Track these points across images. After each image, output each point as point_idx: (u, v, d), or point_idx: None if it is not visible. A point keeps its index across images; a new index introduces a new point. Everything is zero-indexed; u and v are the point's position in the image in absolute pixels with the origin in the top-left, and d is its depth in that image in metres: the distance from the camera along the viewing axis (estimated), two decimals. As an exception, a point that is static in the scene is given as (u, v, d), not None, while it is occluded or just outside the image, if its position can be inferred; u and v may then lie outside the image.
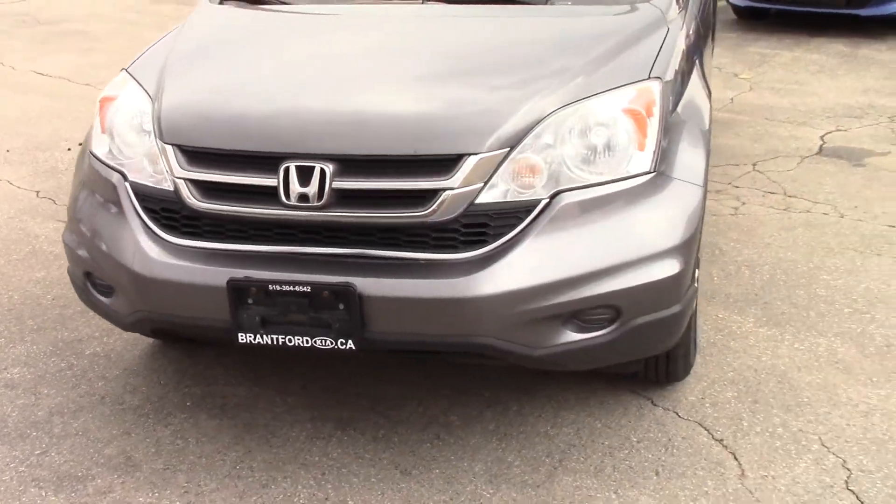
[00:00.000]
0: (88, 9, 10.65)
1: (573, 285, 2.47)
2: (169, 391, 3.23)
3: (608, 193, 2.54)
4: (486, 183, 2.47)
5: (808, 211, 4.66)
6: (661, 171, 2.62)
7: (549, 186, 2.50)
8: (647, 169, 2.59)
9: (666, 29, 3.05)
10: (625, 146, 2.57)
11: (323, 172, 2.47)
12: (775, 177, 5.15)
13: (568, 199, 2.50)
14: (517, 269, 2.44)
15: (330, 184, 2.46)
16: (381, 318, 2.47)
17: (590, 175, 2.54)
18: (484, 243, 2.47)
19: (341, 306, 2.45)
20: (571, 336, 2.54)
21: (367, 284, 2.44)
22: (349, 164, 2.49)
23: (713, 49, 5.66)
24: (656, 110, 2.65)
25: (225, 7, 3.45)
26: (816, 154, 5.50)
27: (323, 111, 2.60)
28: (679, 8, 3.30)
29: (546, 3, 3.20)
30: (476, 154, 2.45)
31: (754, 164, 5.35)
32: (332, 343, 2.49)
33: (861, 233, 4.37)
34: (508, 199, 2.48)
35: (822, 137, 5.80)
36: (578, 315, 2.53)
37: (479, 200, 2.47)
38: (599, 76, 2.70)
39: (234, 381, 3.28)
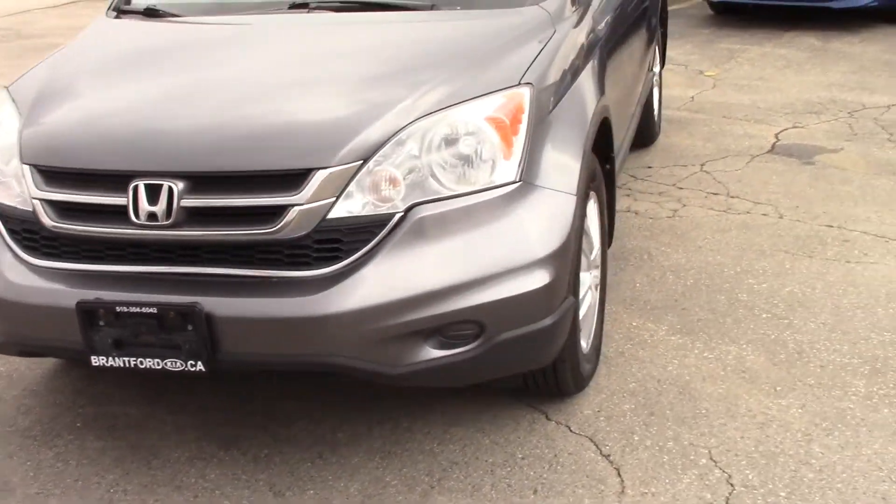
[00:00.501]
0: (78, 21, 10.66)
1: (430, 301, 2.39)
2: (62, 412, 3.18)
3: (468, 205, 2.47)
4: (338, 197, 2.40)
5: (747, 212, 4.56)
6: (528, 181, 2.54)
7: (407, 199, 2.43)
8: (512, 178, 2.51)
9: (552, 31, 2.97)
10: (488, 155, 2.50)
11: (171, 190, 2.41)
12: (721, 177, 5.05)
13: (424, 211, 2.43)
14: (370, 286, 2.37)
15: (178, 202, 2.41)
16: (232, 339, 2.41)
17: (450, 186, 2.47)
18: (337, 259, 2.41)
19: (190, 327, 2.39)
20: (433, 353, 2.47)
21: (215, 304, 2.38)
22: (198, 182, 2.43)
23: (658, 47, 5.55)
24: (524, 117, 2.58)
25: (118, 21, 3.40)
26: (768, 152, 5.40)
27: (172, 128, 2.54)
28: (576, 7, 3.22)
29: (432, 9, 3.11)
30: (325, 168, 2.39)
31: (702, 165, 5.26)
32: (182, 365, 2.43)
33: (797, 234, 4.27)
34: (362, 213, 2.42)
35: (776, 135, 5.69)
36: (440, 331, 2.46)
37: (331, 215, 2.40)
38: (469, 83, 2.62)
39: (130, 399, 3.23)
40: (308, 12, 3.17)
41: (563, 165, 2.66)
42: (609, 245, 3.54)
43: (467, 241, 2.45)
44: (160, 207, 2.41)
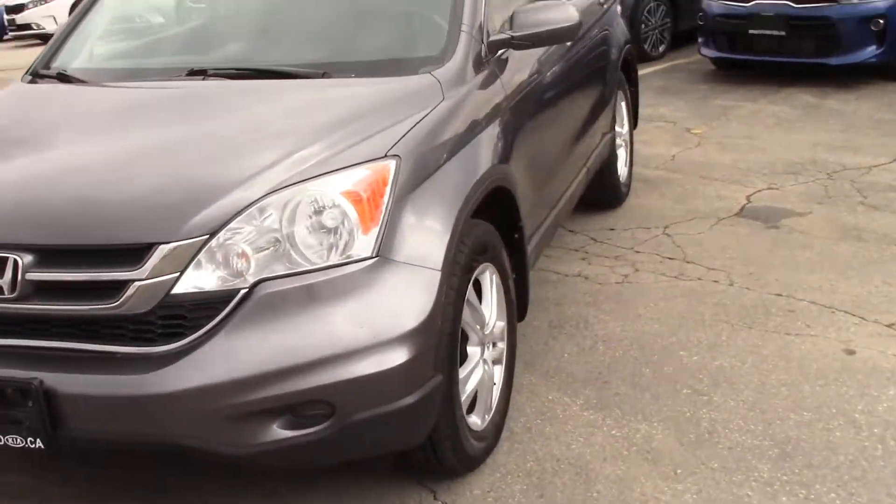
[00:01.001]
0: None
1: (275, 379, 2.32)
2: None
3: (320, 281, 2.40)
4: (181, 272, 2.34)
5: (699, 279, 4.43)
6: (386, 256, 2.47)
7: (257, 274, 2.37)
8: (368, 254, 2.44)
9: (439, 100, 2.91)
10: (344, 230, 2.44)
11: (17, 263, 2.37)
12: (682, 241, 4.92)
13: (271, 287, 2.37)
14: (213, 363, 2.31)
15: (23, 275, 2.37)
16: (74, 416, 2.35)
17: (302, 261, 2.41)
18: (182, 335, 2.35)
19: (30, 403, 2.34)
20: (281, 433, 2.39)
21: (57, 380, 2.33)
22: (44, 255, 2.40)
23: (625, 107, 5.48)
24: (387, 191, 2.51)
25: (28, 87, 3.41)
26: (735, 215, 5.27)
27: (20, 200, 2.52)
28: (485, 69, 3.17)
29: (324, 76, 3.08)
30: (168, 243, 2.34)
31: (666, 227, 5.14)
32: (22, 442, 2.38)
33: (743, 303, 4.13)
34: (207, 288, 2.36)
35: (748, 197, 5.56)
36: (288, 411, 2.38)
37: (175, 290, 2.35)
38: (335, 155, 2.57)
39: (24, 467, 3.17)
40: (203, 79, 3.15)
41: (429, 240, 2.58)
42: (521, 318, 3.44)
43: (317, 318, 2.38)
44: (5, 280, 2.38)
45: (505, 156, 3.15)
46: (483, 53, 3.24)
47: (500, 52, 3.35)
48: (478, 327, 2.95)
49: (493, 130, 3.12)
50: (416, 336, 2.46)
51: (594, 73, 4.63)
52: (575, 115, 4.22)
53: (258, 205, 2.41)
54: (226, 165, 2.55)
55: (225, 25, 3.66)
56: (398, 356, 2.42)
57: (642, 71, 9.54)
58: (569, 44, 4.04)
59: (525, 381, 3.53)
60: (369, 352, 2.39)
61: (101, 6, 3.77)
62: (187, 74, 3.17)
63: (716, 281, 4.39)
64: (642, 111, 7.35)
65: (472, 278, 2.88)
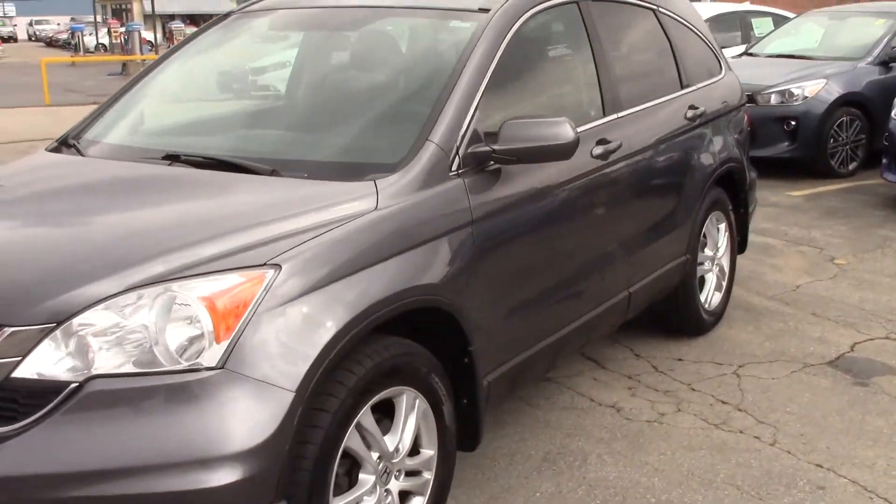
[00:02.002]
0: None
1: (80, 481, 2.26)
2: None
3: (154, 385, 2.33)
4: (24, 357, 2.35)
5: (740, 431, 3.96)
6: (234, 370, 2.36)
7: (94, 369, 2.34)
8: (213, 364, 2.35)
9: (369, 209, 2.78)
10: (192, 337, 2.36)
11: None
12: (748, 384, 4.44)
13: (102, 385, 2.33)
14: (23, 454, 2.29)
15: None
16: None
17: (148, 362, 2.35)
18: (13, 420, 2.34)
19: None
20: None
21: None
22: None
23: (727, 229, 5.07)
24: (254, 301, 2.41)
25: (44, 156, 3.58)
26: (825, 364, 4.69)
27: None
28: (439, 185, 3.00)
29: (272, 174, 3.03)
30: (12, 326, 2.35)
31: (739, 367, 4.66)
32: None
33: (770, 468, 3.64)
34: (47, 376, 2.34)
35: (853, 345, 4.94)
36: None
37: (15, 374, 2.35)
38: (215, 256, 2.51)
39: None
40: (169, 164, 3.19)
41: (292, 357, 2.44)
42: (472, 447, 3.21)
43: (144, 423, 2.31)
44: None
45: (449, 275, 2.95)
46: (455, 165, 3.07)
47: (484, 164, 3.17)
48: (374, 454, 2.75)
49: (438, 247, 2.94)
50: (251, 458, 2.33)
51: (652, 191, 4.29)
52: (605, 237, 3.90)
53: (115, 299, 2.38)
54: (99, 254, 2.55)
55: (229, 112, 3.72)
56: (227, 475, 2.30)
57: (821, 188, 8.91)
58: (602, 161, 3.77)
59: (474, 518, 3.27)
60: (192, 467, 2.29)
61: (146, 83, 3.94)
62: (163, 158, 3.22)
63: (757, 437, 3.90)
64: (795, 232, 6.83)
65: (373, 401, 2.70)
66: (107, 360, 2.34)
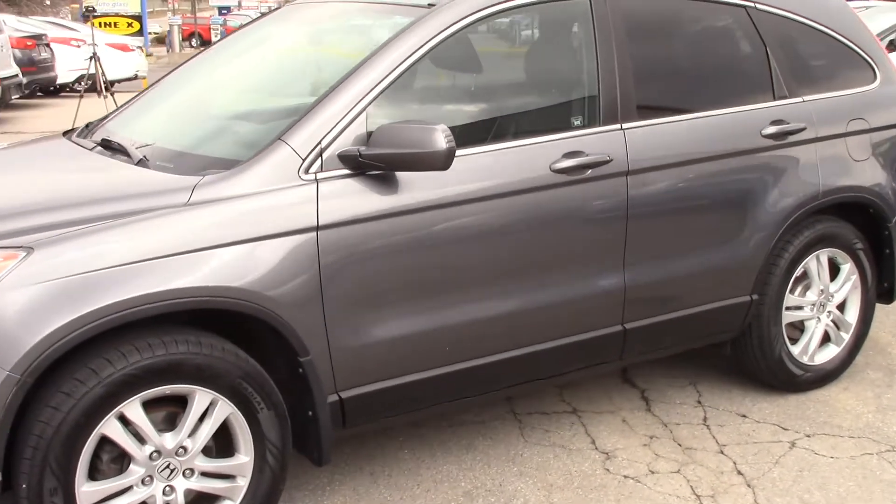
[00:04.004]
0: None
1: None
2: None
3: None
4: None
5: (719, 509, 3.34)
6: None
7: None
8: None
9: (180, 202, 2.81)
10: None
11: None
12: (790, 458, 3.71)
13: None
14: None
15: None
16: None
17: None
18: None
19: None
20: None
21: None
22: None
23: (863, 271, 4.21)
24: None
25: (46, 141, 3.93)
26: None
27: None
28: (281, 187, 2.91)
29: (139, 163, 3.12)
30: None
31: (805, 437, 3.89)
32: None
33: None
34: None
35: None
36: None
37: None
38: None
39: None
40: (91, 149, 3.41)
41: (11, 341, 2.54)
42: (320, 463, 3.09)
43: None
44: None
45: (272, 279, 2.84)
46: (312, 168, 2.95)
47: (362, 169, 3.00)
48: (148, 448, 2.76)
49: (257, 250, 2.84)
50: None
51: (672, 216, 3.66)
52: (563, 259, 3.42)
53: None
54: None
55: (169, 105, 3.78)
56: None
57: None
58: (568, 177, 3.34)
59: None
60: None
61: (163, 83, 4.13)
62: (99, 144, 3.45)
63: (738, 516, 3.27)
64: None
65: (146, 395, 2.72)
66: None
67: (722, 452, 3.75)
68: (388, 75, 3.10)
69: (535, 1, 3.47)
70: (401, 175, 3.05)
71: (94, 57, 11.52)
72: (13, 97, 14.33)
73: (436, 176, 3.06)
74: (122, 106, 4.00)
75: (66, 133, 3.83)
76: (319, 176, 2.97)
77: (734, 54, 4.01)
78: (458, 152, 3.11)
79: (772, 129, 3.88)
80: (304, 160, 2.95)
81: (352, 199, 2.99)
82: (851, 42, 4.29)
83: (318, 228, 2.93)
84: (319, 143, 2.98)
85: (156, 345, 2.72)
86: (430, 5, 3.32)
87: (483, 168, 3.22)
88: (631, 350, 3.71)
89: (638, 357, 3.84)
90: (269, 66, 3.80)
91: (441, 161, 2.92)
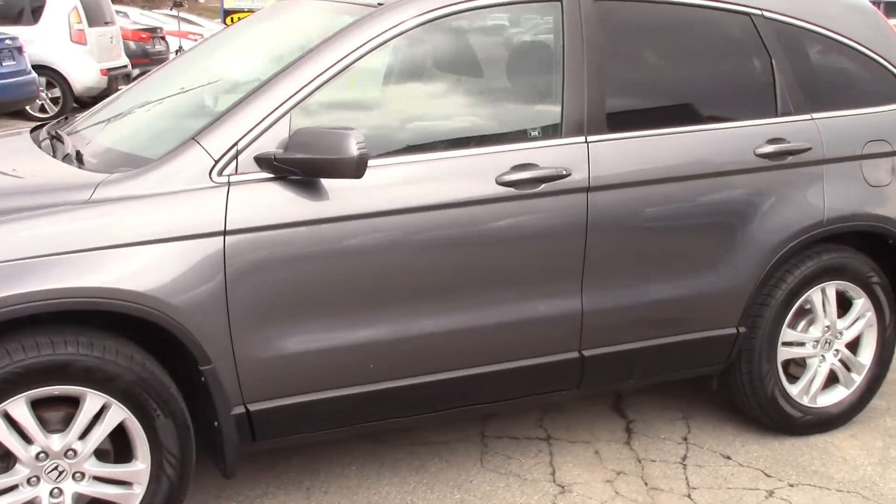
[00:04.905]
0: None
1: None
2: None
3: None
4: None
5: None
6: None
7: None
8: None
9: (82, 199, 2.75)
10: None
11: None
12: (765, 509, 3.39)
13: None
14: None
15: None
16: None
17: None
18: None
19: None
20: None
21: None
22: None
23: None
24: None
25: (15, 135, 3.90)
26: (913, 514, 3.37)
27: None
28: (191, 187, 2.82)
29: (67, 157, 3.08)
30: None
31: (787, 486, 3.56)
32: None
33: None
34: None
35: None
36: None
37: None
38: None
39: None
40: (44, 139, 3.40)
41: None
42: (226, 475, 2.99)
43: None
44: None
45: (170, 283, 2.75)
46: (225, 170, 2.85)
47: (282, 173, 2.88)
48: (34, 449, 2.71)
49: (154, 251, 2.75)
50: None
51: (634, 236, 3.37)
52: (505, 277, 3.20)
53: None
54: None
55: (137, 103, 3.69)
56: None
57: None
58: (515, 191, 3.14)
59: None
60: None
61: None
62: (51, 136, 3.43)
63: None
64: None
65: (30, 395, 2.68)
66: None
67: (689, 496, 3.46)
68: (317, 77, 2.97)
69: (492, 4, 3.26)
70: (327, 182, 2.91)
71: (181, 50, 11.78)
72: (119, 87, 14.85)
73: (361, 185, 2.91)
74: (105, 101, 3.99)
75: (41, 126, 3.84)
76: (232, 179, 2.86)
77: (732, 66, 3.69)
78: (389, 161, 2.98)
79: (768, 149, 3.56)
80: (216, 161, 2.85)
81: (265, 204, 2.87)
82: (879, 56, 3.90)
83: (225, 233, 2.82)
84: (235, 144, 2.87)
85: (43, 344, 2.66)
86: (379, 5, 3.17)
87: (413, 178, 3.05)
88: (591, 379, 3.46)
89: (601, 387, 3.59)
90: (230, 66, 3.71)
91: (352, 169, 2.77)
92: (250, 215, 2.85)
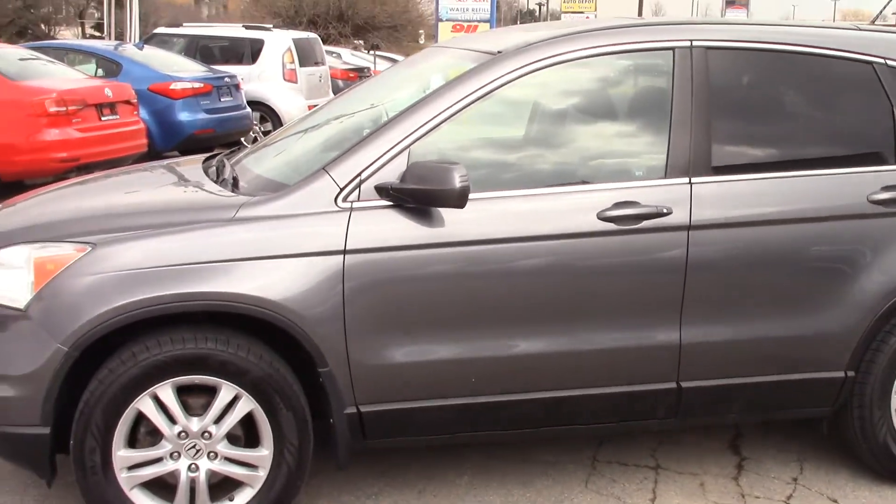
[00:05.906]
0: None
1: None
2: None
3: None
4: None
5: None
6: (30, 314, 3.12)
7: None
8: (21, 307, 3.13)
9: (227, 217, 3.26)
10: (17, 283, 3.17)
11: None
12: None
13: None
14: None
15: None
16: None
17: None
18: None
19: None
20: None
21: None
22: None
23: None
24: (65, 267, 3.12)
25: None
26: None
27: None
28: (318, 212, 3.24)
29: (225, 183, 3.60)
30: None
31: (892, 533, 3.55)
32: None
33: None
34: None
35: None
36: None
37: None
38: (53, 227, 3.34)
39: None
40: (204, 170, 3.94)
41: (66, 318, 3.08)
42: (339, 468, 3.39)
43: None
44: None
45: (296, 293, 3.16)
46: (350, 196, 3.25)
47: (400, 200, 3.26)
48: (177, 428, 3.19)
49: (286, 265, 3.17)
50: (19, 383, 3.07)
51: (743, 275, 3.51)
52: (605, 306, 3.43)
53: None
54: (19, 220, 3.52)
55: (298, 137, 4.20)
56: (4, 391, 3.09)
57: None
58: (616, 226, 3.37)
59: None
60: None
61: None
62: (218, 164, 3.98)
63: None
64: None
65: (177, 381, 3.16)
66: None
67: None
68: (433, 118, 3.33)
69: (602, 53, 3.52)
70: (439, 211, 3.25)
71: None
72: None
73: (471, 215, 3.24)
74: (273, 134, 4.54)
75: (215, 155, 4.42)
76: (355, 205, 3.25)
77: (849, 114, 3.75)
78: (498, 193, 3.29)
79: (883, 195, 3.60)
80: (342, 189, 3.25)
81: (382, 228, 3.25)
82: None
83: (345, 252, 3.21)
84: (359, 175, 3.27)
85: (188, 339, 3.14)
86: (498, 52, 3.50)
87: (519, 210, 3.34)
88: (688, 410, 3.60)
89: (700, 419, 3.71)
90: (371, 104, 4.15)
91: (454, 199, 3.11)
92: (368, 237, 3.24)
